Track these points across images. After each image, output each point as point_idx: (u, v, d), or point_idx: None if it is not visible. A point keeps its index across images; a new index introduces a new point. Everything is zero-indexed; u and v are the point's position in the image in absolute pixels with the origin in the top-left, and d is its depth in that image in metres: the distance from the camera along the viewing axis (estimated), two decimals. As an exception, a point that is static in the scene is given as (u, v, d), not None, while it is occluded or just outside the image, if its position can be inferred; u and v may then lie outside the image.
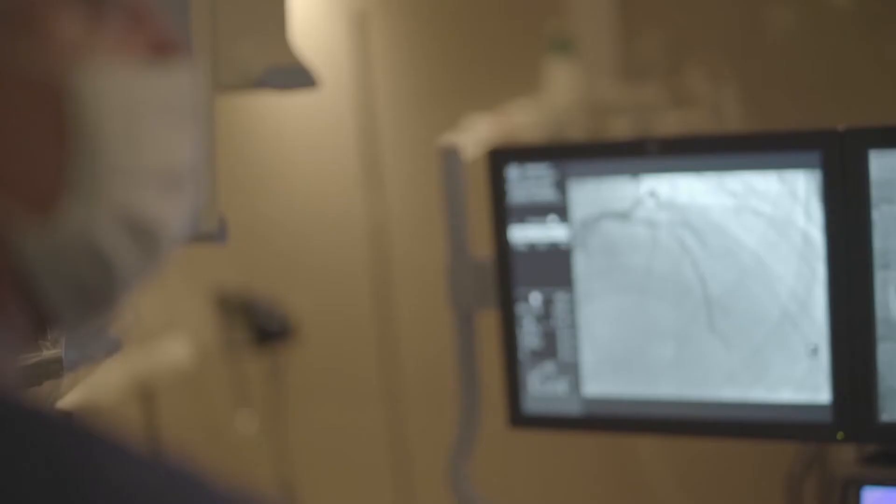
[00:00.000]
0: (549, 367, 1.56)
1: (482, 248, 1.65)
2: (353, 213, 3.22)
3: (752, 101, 2.68)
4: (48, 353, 1.15)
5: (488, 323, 1.66)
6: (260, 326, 3.21)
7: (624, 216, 1.49)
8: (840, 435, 1.43)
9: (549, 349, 1.56)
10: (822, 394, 1.42)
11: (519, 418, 1.60)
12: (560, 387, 1.56)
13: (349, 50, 3.33)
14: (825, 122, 1.42)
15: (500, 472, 2.67)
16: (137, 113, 0.61)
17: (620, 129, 2.72)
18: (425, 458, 3.16)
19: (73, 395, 3.21)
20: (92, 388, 3.11)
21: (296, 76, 1.61)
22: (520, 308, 1.56)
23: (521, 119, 2.84)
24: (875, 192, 1.36)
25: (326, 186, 3.04)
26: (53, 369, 1.16)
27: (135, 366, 3.23)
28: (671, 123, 2.67)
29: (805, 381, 1.43)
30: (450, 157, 1.64)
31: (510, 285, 1.57)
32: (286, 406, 3.39)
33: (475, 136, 2.87)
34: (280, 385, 3.35)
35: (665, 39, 2.80)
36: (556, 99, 2.83)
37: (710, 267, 1.46)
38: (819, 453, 1.66)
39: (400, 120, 3.29)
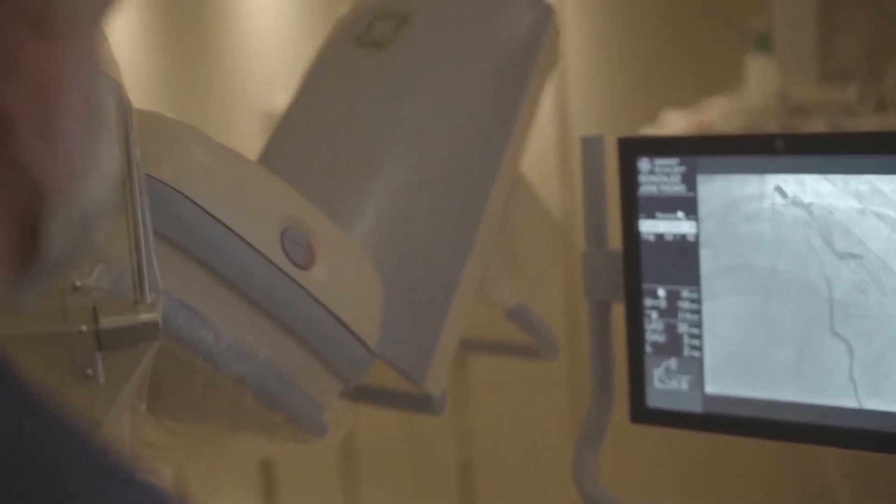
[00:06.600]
0: (672, 363, 1.55)
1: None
2: (547, 204, 3.23)
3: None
4: (144, 316, 1.18)
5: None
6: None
7: (751, 214, 1.47)
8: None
9: (673, 345, 1.55)
10: (944, 408, 1.37)
11: (641, 414, 1.59)
12: (683, 384, 1.55)
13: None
14: None
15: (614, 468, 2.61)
16: None
17: (815, 130, 2.65)
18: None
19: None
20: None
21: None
22: (647, 302, 1.56)
23: (716, 116, 2.80)
24: None
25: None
26: (148, 333, 1.19)
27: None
28: (868, 126, 2.58)
29: (927, 394, 1.38)
30: (592, 146, 1.65)
31: (638, 278, 1.57)
32: (470, 389, 3.44)
33: (670, 132, 2.85)
34: (465, 368, 3.40)
35: (865, 41, 2.72)
36: (753, 97, 2.78)
37: (834, 269, 1.42)
38: None
39: (595, 115, 3.29)
